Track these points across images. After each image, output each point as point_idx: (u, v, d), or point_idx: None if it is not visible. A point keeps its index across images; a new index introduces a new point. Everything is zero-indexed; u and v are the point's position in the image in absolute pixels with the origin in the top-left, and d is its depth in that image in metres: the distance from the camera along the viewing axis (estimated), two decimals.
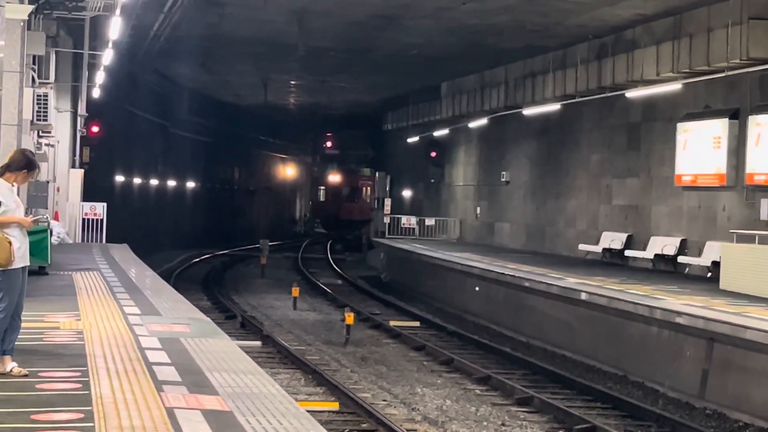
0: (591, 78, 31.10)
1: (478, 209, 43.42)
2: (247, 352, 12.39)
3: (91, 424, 8.01)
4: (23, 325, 10.52)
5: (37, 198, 27.89)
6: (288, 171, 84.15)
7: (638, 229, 30.12)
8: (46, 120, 25.88)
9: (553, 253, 34.97)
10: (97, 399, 8.90)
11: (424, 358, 22.19)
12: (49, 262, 20.86)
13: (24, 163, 9.97)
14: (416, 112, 49.58)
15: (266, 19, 30.46)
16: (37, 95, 25.39)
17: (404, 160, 57.18)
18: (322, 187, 73.15)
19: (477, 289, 29.11)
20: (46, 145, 31.75)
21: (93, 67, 33.60)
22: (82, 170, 34.81)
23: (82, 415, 8.29)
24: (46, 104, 25.82)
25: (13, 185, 9.96)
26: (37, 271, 20.15)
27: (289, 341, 23.40)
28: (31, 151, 10.24)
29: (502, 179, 40.35)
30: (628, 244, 30.32)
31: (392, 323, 26.87)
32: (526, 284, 25.18)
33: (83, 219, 33.45)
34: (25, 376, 9.78)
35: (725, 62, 24.51)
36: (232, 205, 67.20)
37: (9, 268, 9.73)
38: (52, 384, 9.52)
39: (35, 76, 26.13)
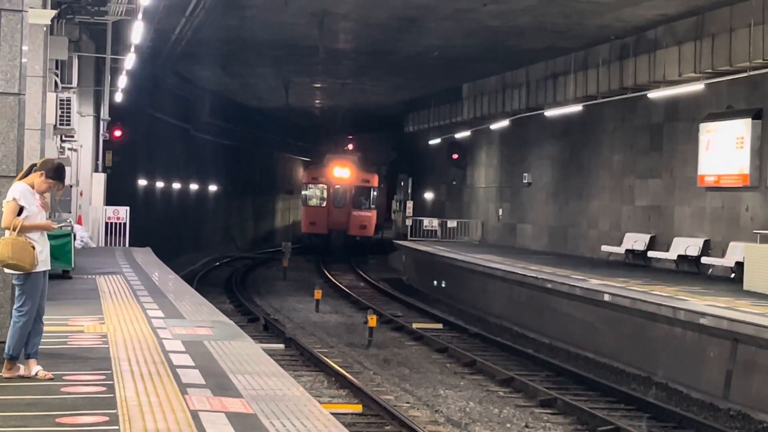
0: (613, 79, 31.03)
1: (500, 211, 43.36)
2: (270, 355, 12.42)
3: (116, 427, 8.05)
4: (48, 328, 10.60)
5: (60, 202, 28.00)
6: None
7: (661, 230, 30.01)
8: (69, 124, 26.02)
9: (576, 254, 34.88)
10: (121, 402, 8.94)
11: (446, 360, 22.19)
12: (72, 266, 20.94)
13: (54, 170, 10.00)
14: (437, 114, 49.55)
15: (287, 21, 30.51)
16: (60, 100, 25.53)
17: (426, 162, 57.16)
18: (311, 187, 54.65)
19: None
20: (69, 149, 31.89)
21: (115, 72, 33.72)
22: (105, 174, 34.94)
23: (107, 418, 8.33)
24: (69, 109, 25.95)
25: (33, 188, 9.97)
26: (61, 275, 20.24)
27: (312, 344, 23.42)
28: (64, 167, 10.29)
29: (524, 181, 40.27)
30: (651, 245, 30.21)
31: (415, 326, 26.87)
32: (549, 286, 25.14)
33: (106, 223, 33.57)
34: (51, 379, 9.83)
35: (748, 62, 24.42)
36: (253, 208, 67.36)
37: (32, 272, 9.80)
38: (77, 387, 9.56)
39: (58, 80, 26.25)
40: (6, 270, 9.97)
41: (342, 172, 53.61)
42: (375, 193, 54.28)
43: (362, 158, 58.62)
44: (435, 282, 35.93)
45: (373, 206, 53.71)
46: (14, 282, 9.94)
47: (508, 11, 27.69)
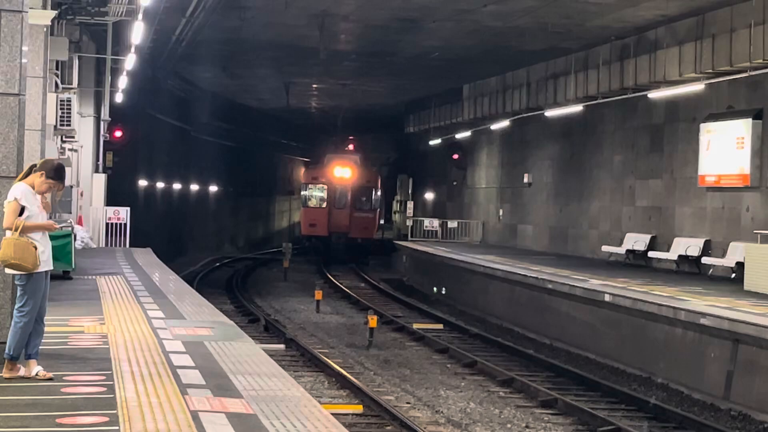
0: (613, 79, 31.02)
1: (501, 211, 43.36)
2: (270, 356, 12.42)
3: (116, 428, 8.05)
4: (48, 329, 10.59)
5: (61, 203, 28.00)
6: None
7: (662, 231, 30.01)
8: (69, 125, 26.00)
9: (576, 255, 34.87)
10: (121, 402, 8.93)
11: (447, 361, 22.17)
12: (73, 266, 20.93)
13: (54, 170, 9.99)
14: (438, 115, 49.56)
15: (287, 23, 30.51)
16: (61, 100, 25.51)
17: (426, 162, 57.15)
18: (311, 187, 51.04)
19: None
20: (70, 149, 31.90)
21: (116, 72, 33.74)
22: (106, 175, 34.94)
23: (107, 419, 8.33)
24: (70, 109, 25.93)
25: (34, 189, 9.96)
26: (62, 276, 20.23)
27: (313, 344, 23.41)
28: (64, 167, 10.29)
29: (525, 181, 40.27)
30: (652, 245, 30.21)
31: (415, 326, 26.85)
32: (550, 286, 25.13)
33: (107, 223, 33.58)
34: (51, 379, 9.83)
35: (748, 62, 24.42)
36: (254, 209, 67.31)
37: (34, 272, 9.80)
38: (77, 387, 9.56)
39: (58, 81, 26.25)
40: (8, 270, 9.97)
41: (343, 171, 50.60)
42: (377, 193, 51.44)
43: (364, 157, 56.34)
44: (435, 289, 35.76)
45: (375, 207, 50.96)
46: (16, 282, 9.94)
47: (509, 12, 27.69)
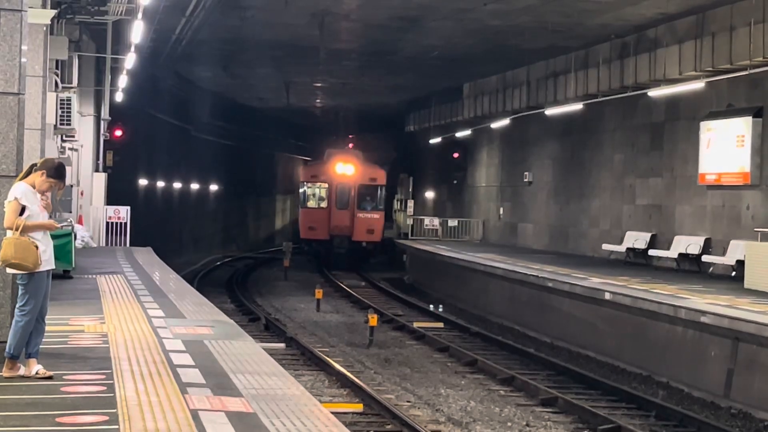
0: (613, 77, 31.02)
1: (501, 210, 43.35)
2: (270, 354, 12.41)
3: (116, 427, 8.04)
4: (48, 328, 10.59)
5: (61, 202, 27.98)
6: None
7: (662, 229, 30.01)
8: (69, 124, 25.98)
9: (577, 253, 34.87)
10: (121, 401, 8.93)
11: (447, 360, 22.18)
12: (73, 265, 20.93)
13: (55, 169, 10.00)
14: (438, 114, 49.54)
15: (287, 22, 30.51)
16: (61, 99, 25.49)
17: (427, 161, 57.15)
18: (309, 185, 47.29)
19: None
20: (70, 149, 31.88)
21: (116, 71, 33.72)
22: (106, 174, 34.93)
23: (106, 418, 8.33)
24: (70, 108, 25.91)
25: (34, 188, 9.96)
26: (62, 275, 20.22)
27: (313, 343, 23.42)
28: (64, 166, 10.29)
29: (525, 180, 40.28)
30: (652, 243, 30.21)
31: (416, 325, 26.86)
32: (550, 285, 25.13)
33: (107, 222, 33.56)
34: (50, 378, 9.83)
35: (748, 61, 24.40)
36: (254, 208, 67.27)
37: (35, 271, 9.80)
38: (77, 387, 9.56)
39: (58, 80, 26.22)
40: (9, 270, 9.96)
41: (345, 168, 46.37)
42: (382, 192, 46.95)
43: (365, 154, 52.08)
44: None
45: (380, 207, 46.52)
46: (18, 282, 9.94)
47: (509, 11, 27.68)
